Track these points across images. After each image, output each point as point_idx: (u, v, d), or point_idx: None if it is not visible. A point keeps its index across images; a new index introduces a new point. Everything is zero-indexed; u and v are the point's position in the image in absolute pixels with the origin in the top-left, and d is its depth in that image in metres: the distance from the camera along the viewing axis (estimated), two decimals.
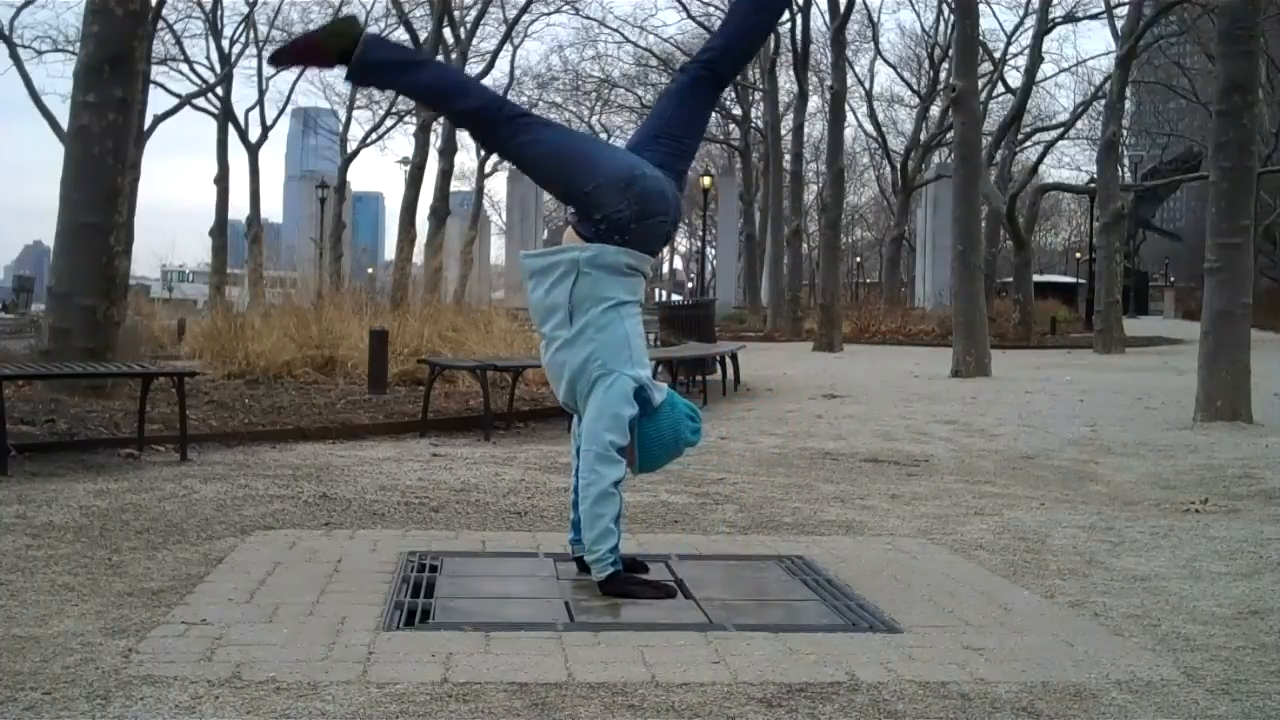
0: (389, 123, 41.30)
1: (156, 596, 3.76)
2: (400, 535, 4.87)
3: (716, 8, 37.84)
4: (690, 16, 37.36)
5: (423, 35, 28.80)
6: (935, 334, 27.36)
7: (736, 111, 40.95)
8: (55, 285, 9.45)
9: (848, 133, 34.94)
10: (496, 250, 76.15)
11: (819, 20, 32.03)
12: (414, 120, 28.86)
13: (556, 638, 3.37)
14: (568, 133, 4.23)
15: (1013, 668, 3.20)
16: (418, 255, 25.77)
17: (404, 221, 26.11)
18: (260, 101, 38.51)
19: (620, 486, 3.84)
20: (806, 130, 35.93)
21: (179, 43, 34.49)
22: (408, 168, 27.40)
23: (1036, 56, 29.59)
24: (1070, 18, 34.38)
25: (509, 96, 41.46)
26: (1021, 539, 5.11)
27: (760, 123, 37.49)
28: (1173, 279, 63.96)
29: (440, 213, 28.26)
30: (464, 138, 44.52)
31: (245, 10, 36.27)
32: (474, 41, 32.07)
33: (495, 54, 34.07)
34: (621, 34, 40.63)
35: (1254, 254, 13.09)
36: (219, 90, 35.91)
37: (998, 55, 37.62)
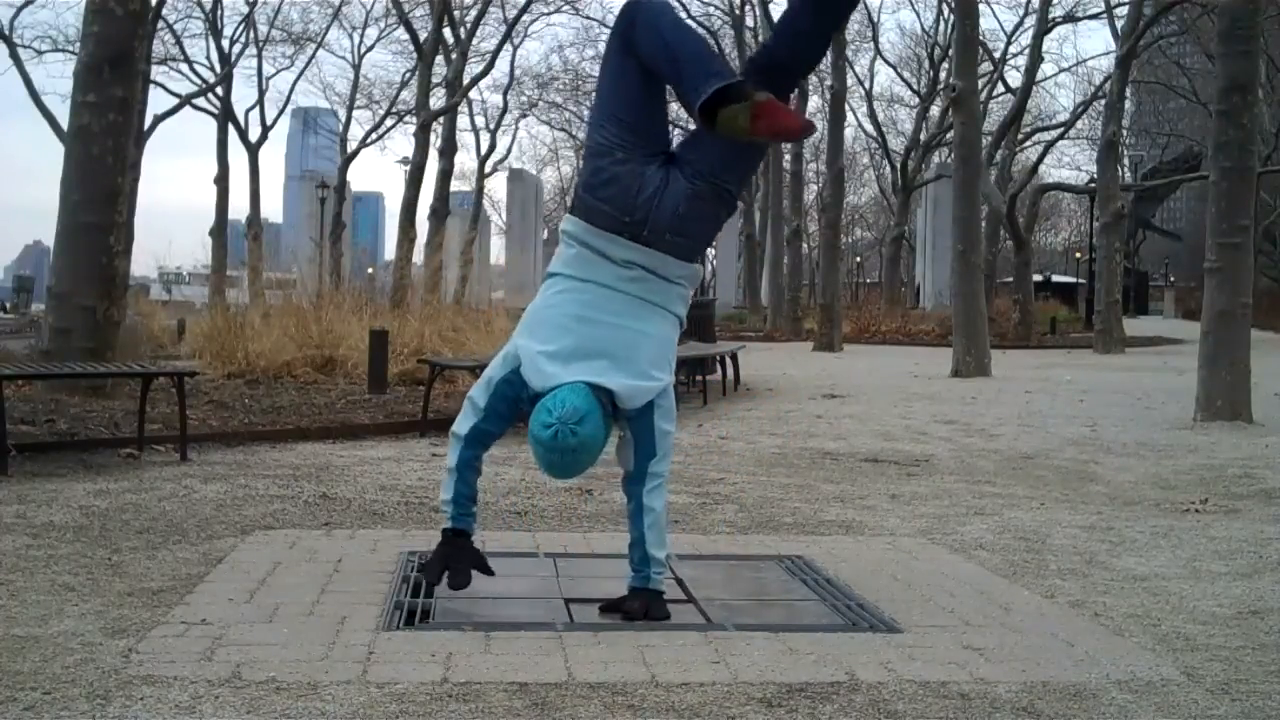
0: (389, 122, 41.37)
1: (156, 596, 3.76)
2: (400, 535, 4.87)
3: (716, 7, 37.89)
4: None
5: (423, 35, 28.78)
6: (935, 334, 27.36)
7: None
8: (55, 285, 9.45)
9: (848, 133, 34.84)
10: (496, 250, 75.97)
11: None
12: (414, 120, 28.84)
13: (556, 638, 3.36)
14: (629, 71, 3.63)
15: (1013, 668, 3.20)
16: (418, 255, 25.73)
17: (404, 221, 26.09)
18: (260, 101, 38.55)
19: (458, 459, 3.71)
20: None
21: (179, 43, 34.47)
22: (408, 168, 27.39)
23: (1036, 56, 29.59)
24: (1070, 18, 34.37)
25: (509, 96, 41.70)
26: (1021, 539, 5.11)
27: None
28: (1173, 279, 63.93)
29: (440, 213, 28.26)
30: (464, 137, 44.32)
31: (245, 10, 36.29)
32: (474, 41, 32.05)
33: (495, 54, 34.08)
34: None
35: (1254, 254, 13.10)
36: (219, 90, 35.89)
37: (998, 55, 37.62)
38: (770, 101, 3.41)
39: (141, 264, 52.39)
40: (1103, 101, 29.82)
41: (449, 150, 30.20)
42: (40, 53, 30.74)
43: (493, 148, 44.56)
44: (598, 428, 3.46)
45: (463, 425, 3.70)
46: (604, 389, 3.50)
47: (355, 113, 42.53)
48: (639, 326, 3.61)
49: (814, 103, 36.30)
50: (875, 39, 42.58)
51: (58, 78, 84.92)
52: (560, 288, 3.64)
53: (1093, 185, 31.14)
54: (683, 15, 3.92)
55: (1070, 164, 61.02)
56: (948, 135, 32.62)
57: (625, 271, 3.60)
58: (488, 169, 45.52)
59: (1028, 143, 41.73)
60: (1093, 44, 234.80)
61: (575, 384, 3.48)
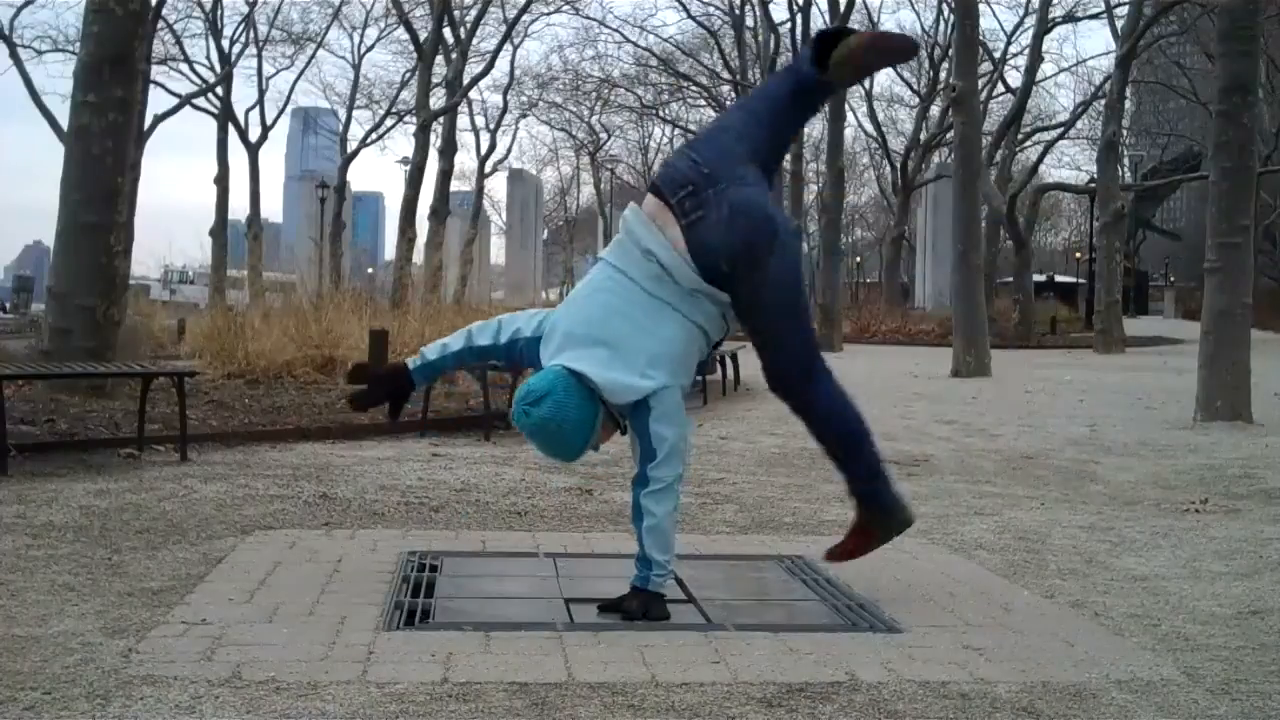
0: (389, 122, 41.37)
1: (156, 596, 3.76)
2: (400, 535, 4.87)
3: (716, 8, 37.89)
4: (690, 16, 37.40)
5: (423, 35, 28.77)
6: (935, 334, 27.37)
7: None
8: (55, 285, 9.46)
9: (848, 132, 34.89)
10: (496, 250, 76.10)
11: (819, 20, 32.03)
12: (414, 120, 28.84)
13: (556, 638, 3.36)
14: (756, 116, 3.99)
15: (1013, 668, 3.20)
16: (418, 255, 25.79)
17: (404, 221, 26.11)
18: (260, 101, 38.55)
19: (458, 349, 3.95)
20: (806, 130, 35.89)
21: (179, 43, 34.45)
22: (408, 168, 27.40)
23: (1036, 56, 29.60)
24: (1070, 18, 34.38)
25: (509, 96, 41.68)
26: (1021, 539, 5.11)
27: None
28: (1173, 279, 63.92)
29: (440, 213, 28.28)
30: (464, 137, 44.23)
31: (245, 10, 36.28)
32: (474, 41, 32.04)
33: (495, 54, 34.09)
34: (621, 34, 40.58)
35: (1254, 254, 13.09)
36: (219, 90, 35.88)
37: (998, 55, 37.61)
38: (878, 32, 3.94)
39: (143, 264, 52.36)
40: (1103, 101, 29.83)
41: (449, 150, 30.20)
42: (40, 53, 30.77)
43: (493, 148, 44.61)
44: (559, 408, 3.52)
45: (481, 336, 3.92)
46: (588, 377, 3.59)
47: (355, 113, 42.61)
48: (650, 325, 3.65)
49: None
50: None
51: (58, 78, 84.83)
52: (604, 273, 3.77)
53: (1093, 185, 31.16)
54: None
55: (1070, 164, 61.04)
56: (948, 135, 32.63)
57: (648, 267, 3.67)
58: (488, 169, 45.54)
59: (1028, 143, 41.71)
60: (1093, 44, 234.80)
61: (549, 367, 3.62)
